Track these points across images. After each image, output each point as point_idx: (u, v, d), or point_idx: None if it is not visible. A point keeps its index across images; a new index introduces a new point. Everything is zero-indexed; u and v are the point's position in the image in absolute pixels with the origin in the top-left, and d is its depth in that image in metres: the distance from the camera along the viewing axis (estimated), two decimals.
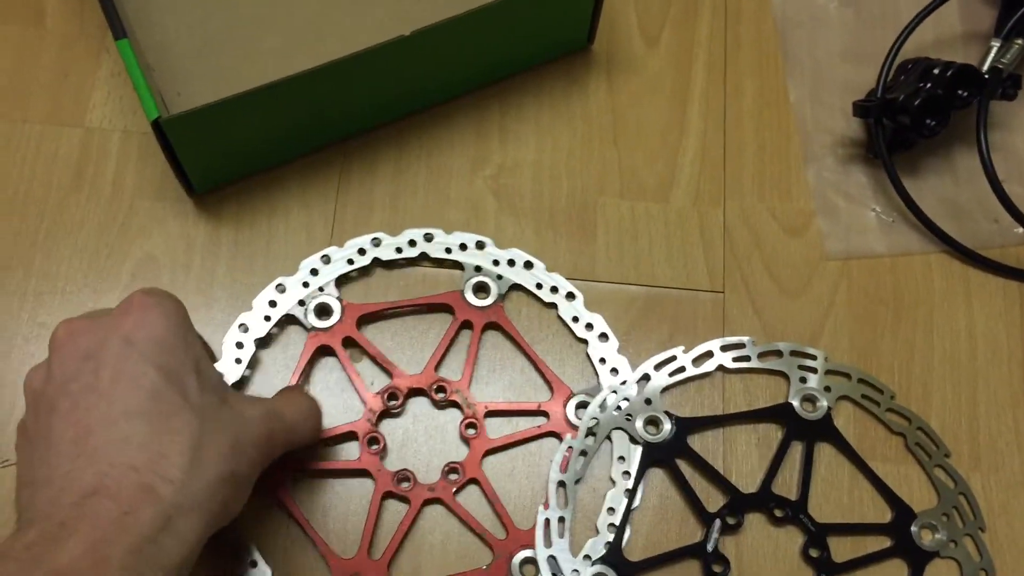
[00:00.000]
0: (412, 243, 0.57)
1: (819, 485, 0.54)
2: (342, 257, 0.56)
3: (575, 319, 0.56)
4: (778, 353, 0.56)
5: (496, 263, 0.57)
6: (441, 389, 0.54)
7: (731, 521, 0.52)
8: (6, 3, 0.63)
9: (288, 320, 0.56)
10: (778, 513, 0.53)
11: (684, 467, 0.54)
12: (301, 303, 0.55)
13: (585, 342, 0.56)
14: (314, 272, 0.56)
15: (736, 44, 0.65)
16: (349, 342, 0.55)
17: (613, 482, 0.53)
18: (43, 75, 0.62)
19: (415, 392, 0.55)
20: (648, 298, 0.58)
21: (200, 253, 0.58)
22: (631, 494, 0.53)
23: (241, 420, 0.44)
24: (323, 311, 0.55)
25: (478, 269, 0.57)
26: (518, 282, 0.57)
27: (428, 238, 0.57)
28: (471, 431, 0.54)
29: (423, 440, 0.54)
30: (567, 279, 0.57)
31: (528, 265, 0.57)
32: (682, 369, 0.56)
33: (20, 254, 0.57)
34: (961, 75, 0.59)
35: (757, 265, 0.59)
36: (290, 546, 0.52)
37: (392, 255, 0.57)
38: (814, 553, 0.52)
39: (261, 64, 0.54)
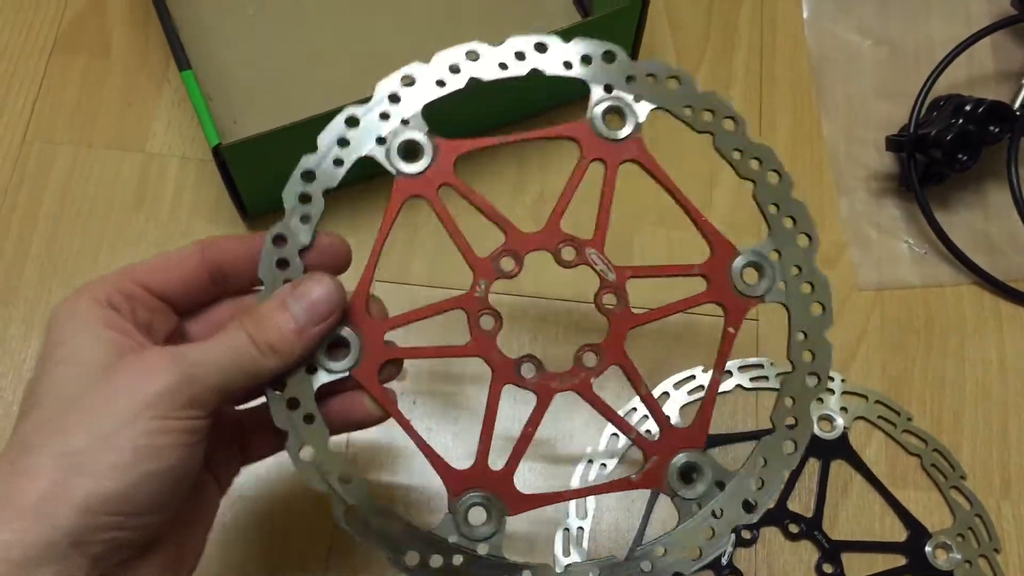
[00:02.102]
0: (520, 56, 0.43)
1: (834, 503, 0.55)
2: (430, 77, 0.43)
3: (738, 151, 0.43)
4: None
5: (631, 79, 0.43)
6: (570, 248, 0.43)
7: (746, 535, 0.54)
8: (76, 35, 0.67)
9: (364, 164, 0.43)
10: (793, 529, 0.54)
11: None
12: (380, 141, 0.43)
13: (752, 181, 0.44)
14: (394, 99, 0.43)
15: (771, 80, 0.67)
16: (446, 190, 0.43)
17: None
18: (108, 103, 0.65)
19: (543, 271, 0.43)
20: (685, 324, 0.59)
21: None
22: (648, 507, 0.54)
23: (109, 394, 0.36)
24: (410, 151, 0.43)
25: (608, 89, 0.43)
26: (662, 105, 0.44)
27: (540, 48, 0.43)
28: (611, 302, 0.43)
29: (548, 313, 0.48)
30: None
31: (675, 80, 0.44)
32: (701, 388, 0.57)
33: (82, 271, 0.60)
34: (993, 111, 0.61)
35: None
36: (393, 458, 0.45)
37: (495, 72, 0.43)
38: (828, 569, 0.53)
39: (313, 95, 0.57)
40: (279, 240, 0.41)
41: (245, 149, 0.55)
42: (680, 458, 0.41)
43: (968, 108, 0.61)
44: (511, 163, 0.64)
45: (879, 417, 0.57)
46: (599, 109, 0.43)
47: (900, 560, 0.54)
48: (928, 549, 0.53)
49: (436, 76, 0.43)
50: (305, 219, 0.42)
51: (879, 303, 0.61)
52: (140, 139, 0.64)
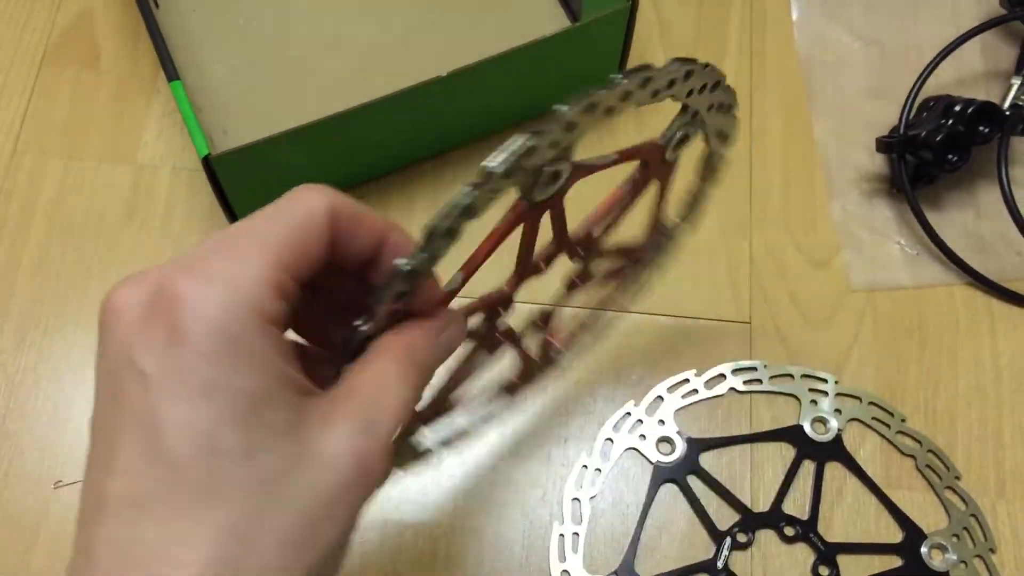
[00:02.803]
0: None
1: (829, 505, 0.55)
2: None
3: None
4: (789, 376, 0.58)
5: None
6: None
7: (742, 539, 0.54)
8: (66, 47, 0.67)
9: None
10: (788, 532, 0.54)
11: (696, 485, 0.55)
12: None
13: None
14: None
15: (761, 83, 0.67)
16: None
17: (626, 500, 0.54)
18: (98, 115, 0.65)
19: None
20: (677, 328, 0.60)
21: None
22: (643, 511, 0.54)
23: (318, 473, 0.26)
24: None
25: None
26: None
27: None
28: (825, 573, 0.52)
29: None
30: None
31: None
32: (695, 391, 0.57)
33: (75, 284, 0.60)
34: (982, 112, 0.61)
35: (783, 296, 0.61)
36: None
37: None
38: (824, 571, 0.53)
39: (303, 104, 0.57)
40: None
41: (235, 159, 0.55)
42: None
43: (958, 108, 0.61)
44: None
45: (873, 418, 0.57)
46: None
47: (896, 561, 0.54)
48: (924, 550, 0.54)
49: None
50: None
51: (871, 304, 0.61)
52: (131, 150, 0.64)
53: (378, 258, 0.31)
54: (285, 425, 0.26)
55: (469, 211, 0.32)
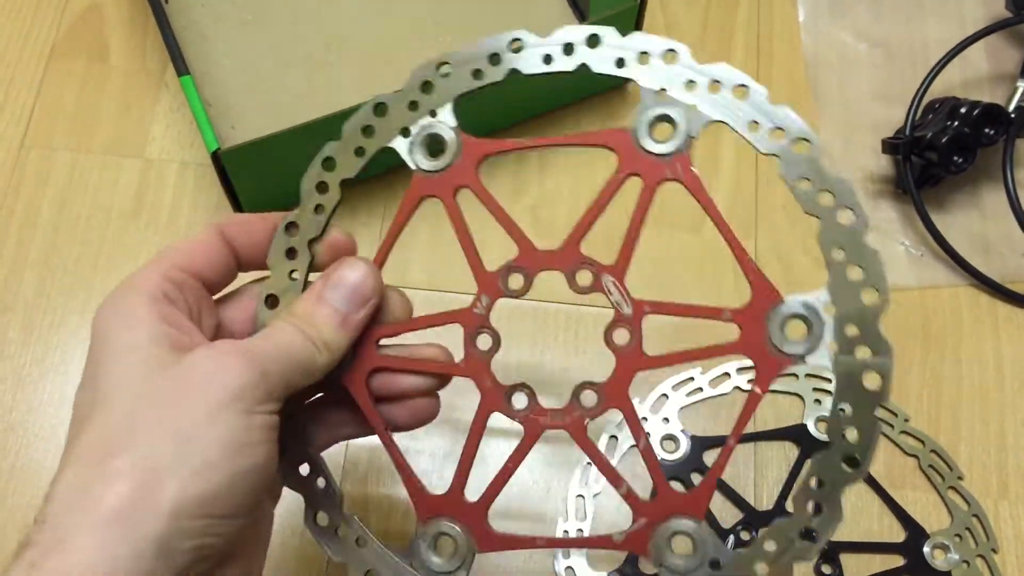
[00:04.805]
0: (568, 49, 0.39)
1: None
2: (467, 67, 0.39)
3: (807, 180, 0.37)
4: (794, 376, 0.58)
5: (691, 84, 0.37)
6: (586, 272, 0.38)
7: (745, 536, 0.54)
8: (74, 40, 0.67)
9: (386, 155, 0.40)
10: None
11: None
12: (405, 132, 0.39)
13: (817, 218, 0.38)
14: (426, 87, 0.39)
15: (768, 83, 0.67)
16: (464, 193, 0.40)
17: None
18: (106, 109, 0.65)
19: (547, 273, 0.39)
20: (681, 325, 0.59)
21: (251, 278, 0.60)
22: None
23: (178, 388, 0.34)
24: (434, 145, 0.39)
25: (661, 92, 0.37)
26: (720, 118, 0.37)
27: (592, 42, 0.38)
28: (621, 338, 0.38)
29: (552, 344, 0.47)
30: None
31: (742, 91, 0.37)
32: (699, 389, 0.57)
33: (82, 277, 0.60)
34: (988, 114, 0.61)
35: None
36: (373, 471, 0.43)
37: (538, 66, 0.39)
38: (827, 570, 0.54)
39: (311, 100, 0.57)
40: (291, 227, 0.39)
41: (244, 154, 0.55)
42: (673, 524, 0.37)
43: (963, 110, 0.61)
44: (510, 169, 0.64)
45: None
46: (647, 116, 0.37)
47: (898, 560, 0.54)
48: (926, 549, 0.54)
49: (473, 65, 0.39)
50: (319, 209, 0.39)
51: None
52: (139, 144, 0.64)
53: None
54: (157, 360, 0.34)
55: (328, 163, 0.39)
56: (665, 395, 0.57)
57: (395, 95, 0.39)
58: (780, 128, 0.37)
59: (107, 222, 0.62)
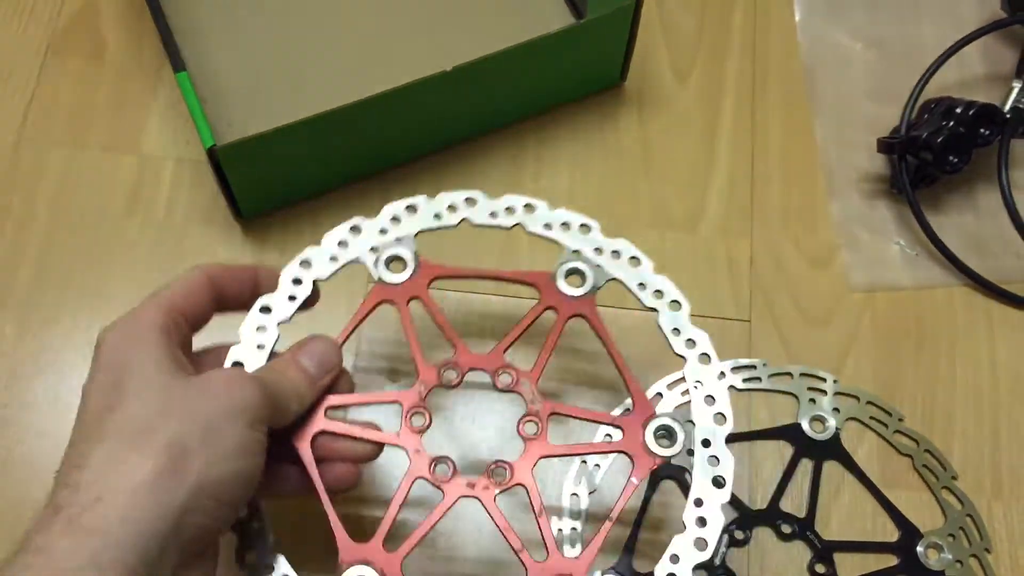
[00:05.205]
0: (510, 210, 0.50)
1: (826, 503, 0.55)
2: (430, 210, 0.50)
3: (676, 331, 0.48)
4: (788, 375, 0.58)
5: (599, 251, 0.49)
6: (507, 375, 0.47)
7: (739, 536, 0.54)
8: (70, 37, 0.67)
9: (353, 266, 0.49)
10: (785, 529, 0.54)
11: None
12: (373, 250, 0.49)
13: (684, 359, 0.48)
14: (395, 220, 0.50)
15: (764, 82, 0.68)
16: (415, 303, 0.49)
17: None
18: (102, 105, 0.65)
19: (476, 373, 0.48)
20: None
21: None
22: (642, 507, 0.54)
23: (198, 390, 0.40)
24: (396, 263, 0.49)
25: (576, 253, 0.49)
26: (618, 276, 0.49)
27: (529, 208, 0.50)
28: (531, 429, 0.46)
29: (473, 427, 0.53)
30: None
31: (635, 261, 0.49)
32: (697, 386, 0.57)
33: (76, 274, 0.60)
34: (983, 114, 0.61)
35: (783, 295, 0.61)
36: (303, 517, 0.47)
37: (485, 219, 0.50)
38: (820, 569, 0.54)
39: (307, 97, 0.57)
40: (265, 310, 0.47)
41: (239, 151, 0.55)
42: None
43: (959, 111, 0.61)
44: (505, 168, 0.64)
45: (871, 418, 0.57)
46: (564, 268, 0.49)
47: (892, 560, 0.54)
48: (920, 549, 0.54)
49: (435, 210, 0.50)
50: (292, 298, 0.47)
51: (870, 304, 0.61)
52: (134, 141, 0.64)
53: (258, 293, 0.47)
54: (175, 373, 0.40)
55: (305, 263, 0.48)
56: (660, 394, 0.57)
57: (369, 221, 0.49)
58: (659, 291, 0.49)
59: (102, 219, 0.62)
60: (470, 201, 0.50)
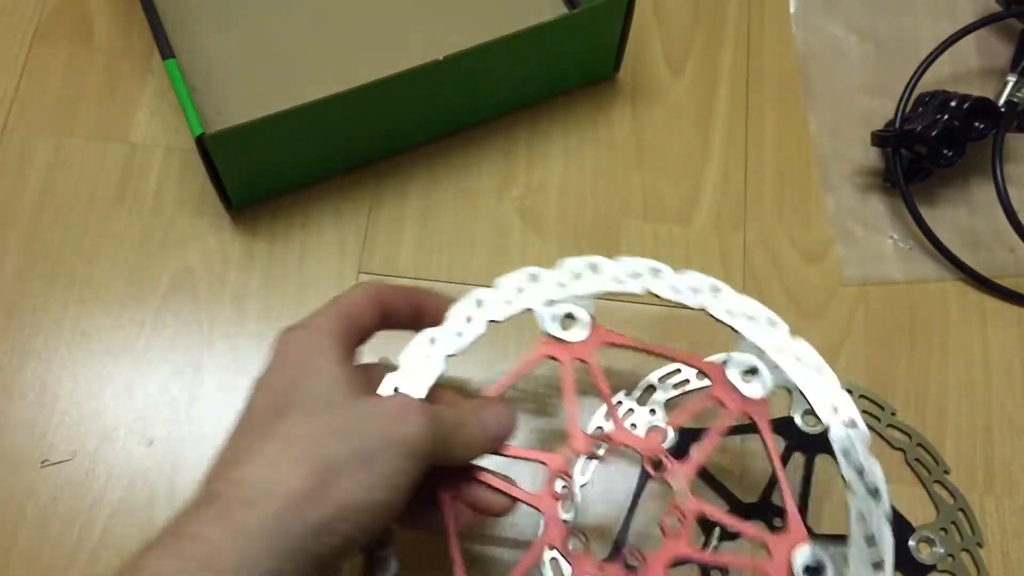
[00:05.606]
0: (695, 290, 0.48)
1: (819, 497, 0.55)
2: (613, 276, 0.48)
3: (859, 472, 0.45)
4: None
5: (781, 352, 0.47)
6: (659, 465, 0.45)
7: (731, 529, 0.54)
8: (57, 22, 0.66)
9: (523, 313, 0.47)
10: (778, 523, 0.54)
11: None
12: (549, 303, 0.47)
13: (849, 488, 0.45)
14: (576, 276, 0.48)
15: (758, 75, 0.67)
16: (579, 365, 0.47)
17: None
18: (90, 92, 0.64)
19: (630, 451, 0.47)
20: (669, 318, 0.59)
21: (235, 266, 0.60)
22: (633, 501, 0.54)
23: (368, 415, 0.41)
24: (570, 321, 0.47)
25: (757, 349, 0.47)
26: (797, 384, 0.47)
27: (714, 291, 0.47)
28: (672, 524, 0.44)
29: (614, 506, 0.53)
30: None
31: (818, 370, 0.47)
32: (686, 381, 0.57)
33: (64, 263, 0.59)
34: (978, 108, 0.61)
35: (776, 288, 0.61)
36: (432, 558, 0.46)
37: (668, 293, 0.48)
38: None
39: (298, 85, 0.57)
40: (434, 341, 0.46)
41: (229, 139, 0.54)
42: None
43: (953, 104, 0.61)
44: (498, 160, 0.64)
45: (863, 412, 0.57)
46: (741, 363, 0.47)
47: None
48: (911, 543, 0.54)
49: (617, 275, 0.48)
50: (459, 335, 0.46)
51: (864, 299, 0.61)
52: (123, 129, 0.63)
53: (422, 319, 0.47)
54: (348, 391, 0.41)
55: (480, 303, 0.47)
56: (652, 387, 0.57)
57: (548, 273, 0.47)
58: (837, 407, 0.47)
59: (90, 207, 0.61)
60: (654, 271, 0.48)
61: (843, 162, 0.65)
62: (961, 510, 0.55)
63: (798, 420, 0.56)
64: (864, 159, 0.65)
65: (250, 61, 0.63)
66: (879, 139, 0.63)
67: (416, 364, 0.45)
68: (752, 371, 0.47)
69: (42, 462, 0.54)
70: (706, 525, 0.53)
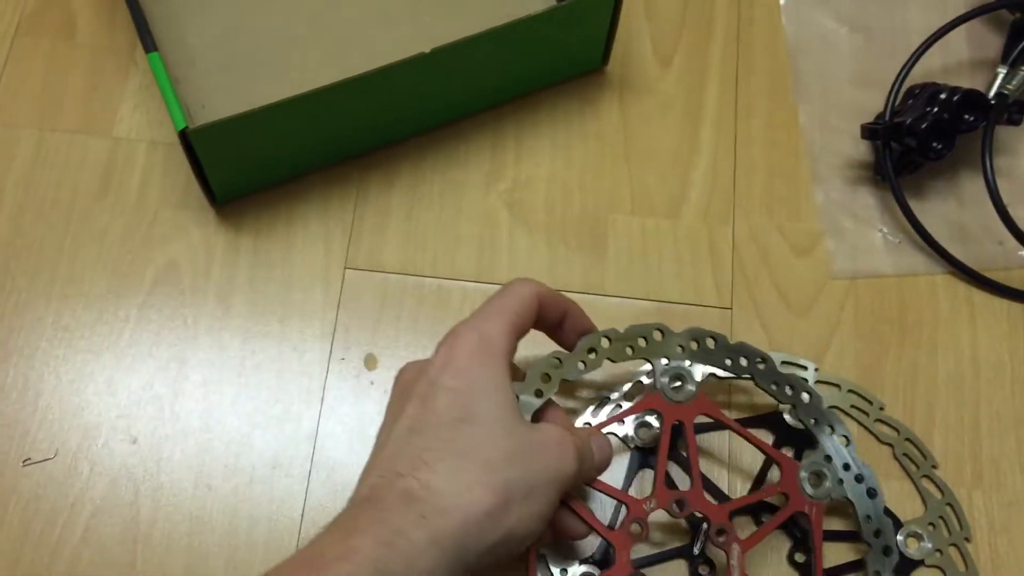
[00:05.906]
0: (793, 389, 0.53)
1: None
2: (721, 355, 0.53)
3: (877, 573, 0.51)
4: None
5: (847, 468, 0.52)
6: (724, 534, 0.50)
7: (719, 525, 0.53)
8: (39, 16, 0.66)
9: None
10: (765, 518, 0.54)
11: (674, 471, 0.55)
12: (665, 359, 0.52)
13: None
14: (697, 342, 0.53)
15: (748, 67, 0.67)
16: (676, 428, 0.52)
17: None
18: (73, 86, 0.64)
19: (697, 520, 0.52)
20: (657, 312, 0.59)
21: (220, 261, 0.59)
22: (628, 476, 0.54)
23: (536, 445, 0.44)
24: (678, 382, 0.52)
25: (828, 459, 0.52)
26: (852, 500, 0.52)
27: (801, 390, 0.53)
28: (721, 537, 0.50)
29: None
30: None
31: (872, 493, 0.52)
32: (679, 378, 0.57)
33: (47, 259, 0.59)
34: (967, 100, 0.60)
35: (765, 282, 0.60)
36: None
37: (767, 385, 0.53)
38: (800, 558, 0.53)
39: (283, 79, 0.56)
40: (556, 360, 0.50)
41: (213, 133, 0.54)
42: None
43: (943, 96, 0.60)
44: (485, 153, 0.63)
45: (852, 406, 0.57)
46: (809, 469, 0.52)
47: None
48: (899, 538, 0.54)
49: (730, 358, 0.53)
50: (587, 363, 0.51)
51: (853, 292, 0.60)
52: (106, 123, 0.63)
53: (562, 324, 0.51)
54: (515, 419, 0.45)
55: (607, 338, 0.52)
56: (641, 382, 0.57)
57: (673, 334, 0.53)
58: (879, 531, 0.52)
59: (73, 202, 0.60)
60: (763, 360, 0.53)
61: (833, 155, 0.64)
62: (949, 505, 0.55)
63: (786, 415, 0.56)
64: (854, 152, 0.64)
65: (235, 55, 0.63)
66: (869, 132, 0.62)
67: (537, 379, 0.49)
68: (820, 475, 0.51)
69: (24, 460, 0.54)
70: (695, 523, 0.53)
